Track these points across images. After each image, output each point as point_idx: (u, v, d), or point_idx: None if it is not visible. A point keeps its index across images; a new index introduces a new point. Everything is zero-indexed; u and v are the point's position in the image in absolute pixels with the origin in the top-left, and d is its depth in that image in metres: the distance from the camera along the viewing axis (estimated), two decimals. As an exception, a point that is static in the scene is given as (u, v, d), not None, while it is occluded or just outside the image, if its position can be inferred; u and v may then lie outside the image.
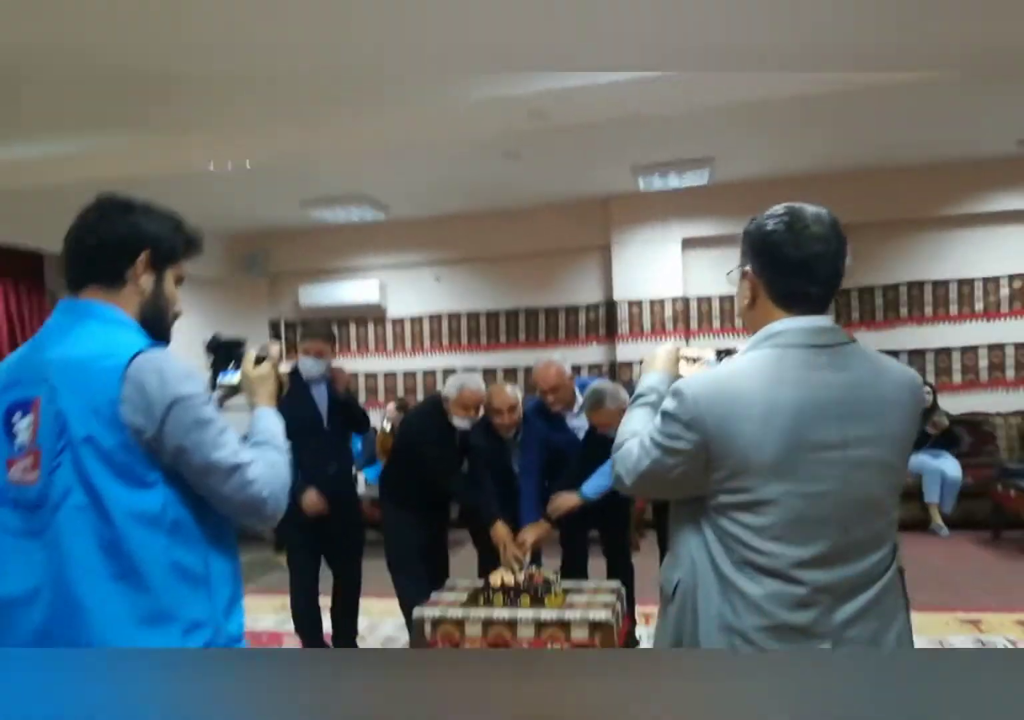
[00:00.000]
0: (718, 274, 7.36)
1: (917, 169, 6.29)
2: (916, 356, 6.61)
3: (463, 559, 4.28)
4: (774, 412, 1.25)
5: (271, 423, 1.42)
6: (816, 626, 1.26)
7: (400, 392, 7.52)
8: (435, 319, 7.49)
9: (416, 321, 7.54)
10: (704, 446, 1.28)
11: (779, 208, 1.37)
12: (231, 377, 1.50)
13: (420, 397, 7.35)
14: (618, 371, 6.83)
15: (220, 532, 1.30)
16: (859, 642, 1.26)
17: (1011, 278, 6.47)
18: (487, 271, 7.38)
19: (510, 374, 7.29)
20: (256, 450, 1.32)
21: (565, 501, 3.26)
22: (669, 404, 1.33)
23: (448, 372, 7.44)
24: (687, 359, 1.64)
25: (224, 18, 2.79)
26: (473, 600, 2.99)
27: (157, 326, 1.36)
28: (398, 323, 7.58)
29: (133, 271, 1.33)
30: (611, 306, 7.00)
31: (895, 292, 6.68)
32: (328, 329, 3.68)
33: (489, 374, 7.31)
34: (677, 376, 1.59)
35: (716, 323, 6.92)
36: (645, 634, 3.82)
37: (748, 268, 1.40)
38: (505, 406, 3.47)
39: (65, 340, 1.26)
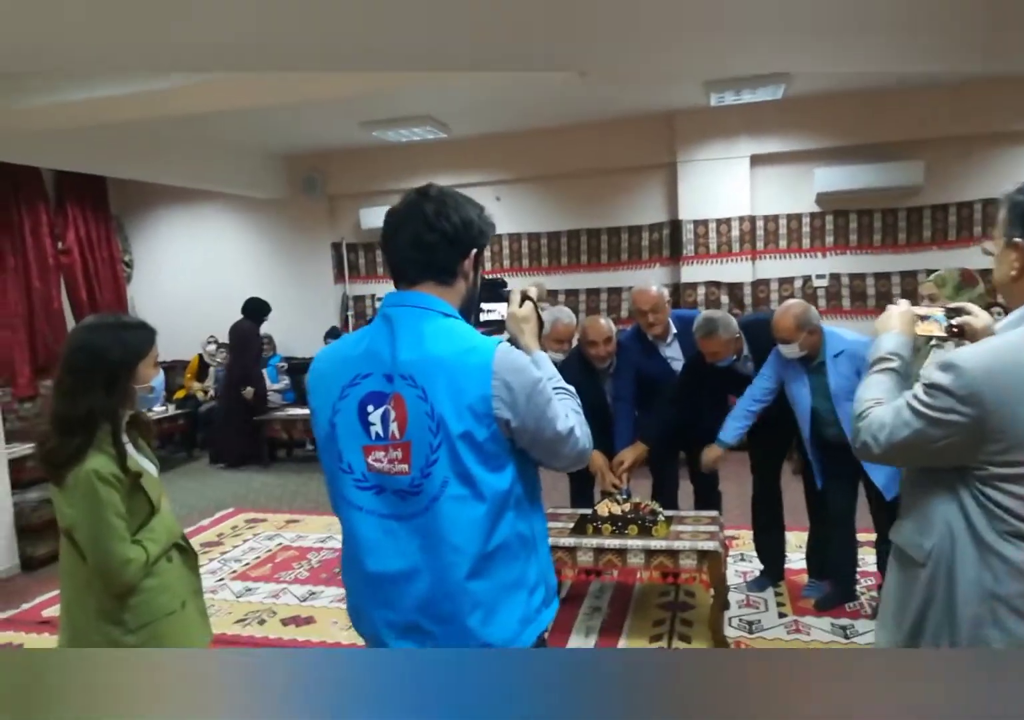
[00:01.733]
0: (785, 191, 7.20)
1: (992, 82, 5.98)
2: (988, 276, 6.45)
3: (547, 486, 4.44)
4: None
5: (551, 368, 1.44)
6: None
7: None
8: (495, 240, 7.44)
9: (476, 242, 7.50)
10: (980, 420, 1.27)
11: None
12: (492, 315, 1.54)
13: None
14: (682, 293, 6.80)
15: (536, 495, 1.40)
16: None
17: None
18: (548, 191, 7.27)
19: (571, 296, 7.30)
20: (564, 404, 1.37)
21: (711, 453, 3.36)
22: (941, 377, 1.31)
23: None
24: (918, 317, 1.60)
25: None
26: (580, 529, 3.14)
27: (467, 314, 1.41)
28: (458, 244, 7.55)
29: (463, 266, 1.36)
30: (676, 226, 6.90)
31: (969, 210, 6.49)
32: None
33: (550, 296, 7.32)
34: (913, 337, 1.56)
35: (783, 243, 6.79)
36: (729, 559, 3.99)
37: (1019, 239, 1.36)
38: (601, 338, 3.53)
39: (419, 338, 1.29)
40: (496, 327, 1.55)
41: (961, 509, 1.35)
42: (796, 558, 3.78)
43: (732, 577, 3.75)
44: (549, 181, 7.23)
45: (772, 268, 6.84)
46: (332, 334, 7.27)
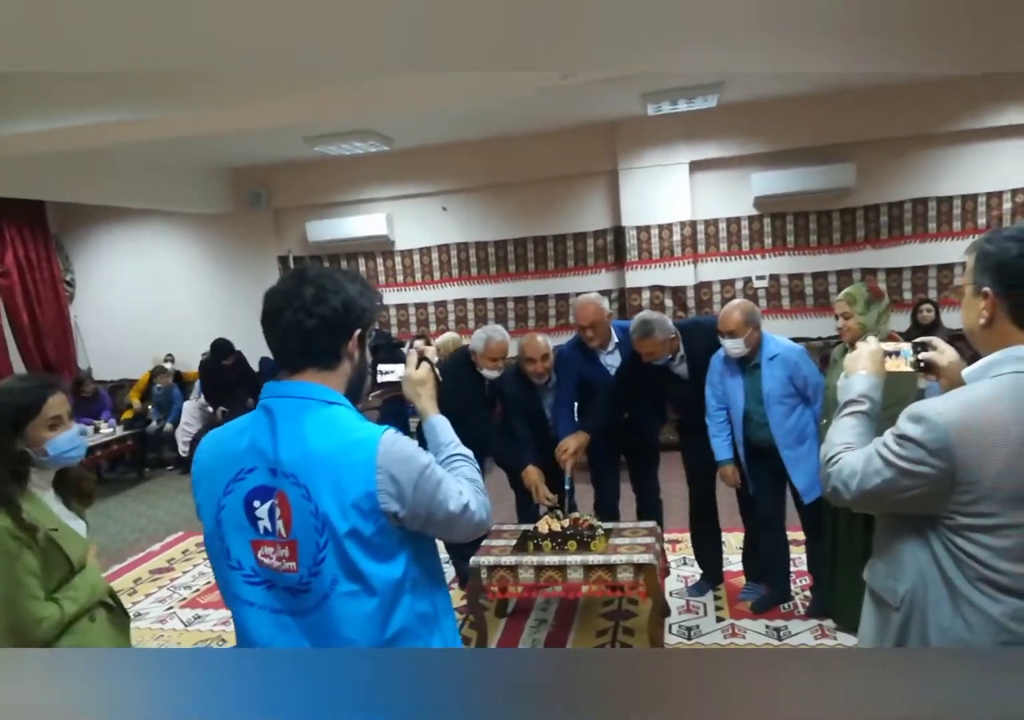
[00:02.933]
0: (724, 196, 7.37)
1: (919, 86, 6.22)
2: (919, 272, 6.72)
3: (493, 499, 4.51)
4: None
5: (448, 433, 1.45)
6: None
7: (413, 324, 7.61)
8: (443, 250, 7.50)
9: (424, 252, 7.55)
10: (949, 472, 1.27)
11: None
12: (390, 376, 1.53)
13: (433, 328, 7.47)
14: (627, 298, 6.93)
15: (435, 569, 1.38)
16: None
17: (1014, 192, 6.50)
18: (493, 200, 7.34)
19: (520, 303, 7.38)
20: (458, 475, 1.37)
21: (724, 473, 3.44)
22: (912, 429, 1.30)
23: (459, 303, 7.54)
24: (886, 354, 1.60)
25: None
26: (522, 546, 3.22)
27: (356, 393, 1.38)
28: (407, 255, 7.59)
29: (347, 348, 1.33)
30: (619, 232, 7.02)
31: (900, 209, 6.72)
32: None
33: (499, 303, 7.41)
34: (884, 376, 1.56)
35: (723, 246, 6.96)
36: (671, 563, 4.10)
37: (988, 289, 1.35)
38: (538, 355, 3.60)
39: (299, 432, 1.27)
40: (393, 388, 1.54)
41: (932, 555, 1.35)
42: (735, 559, 3.91)
43: (674, 582, 3.87)
44: (495, 190, 7.30)
45: (713, 271, 7.01)
46: (267, 368, 7.12)
